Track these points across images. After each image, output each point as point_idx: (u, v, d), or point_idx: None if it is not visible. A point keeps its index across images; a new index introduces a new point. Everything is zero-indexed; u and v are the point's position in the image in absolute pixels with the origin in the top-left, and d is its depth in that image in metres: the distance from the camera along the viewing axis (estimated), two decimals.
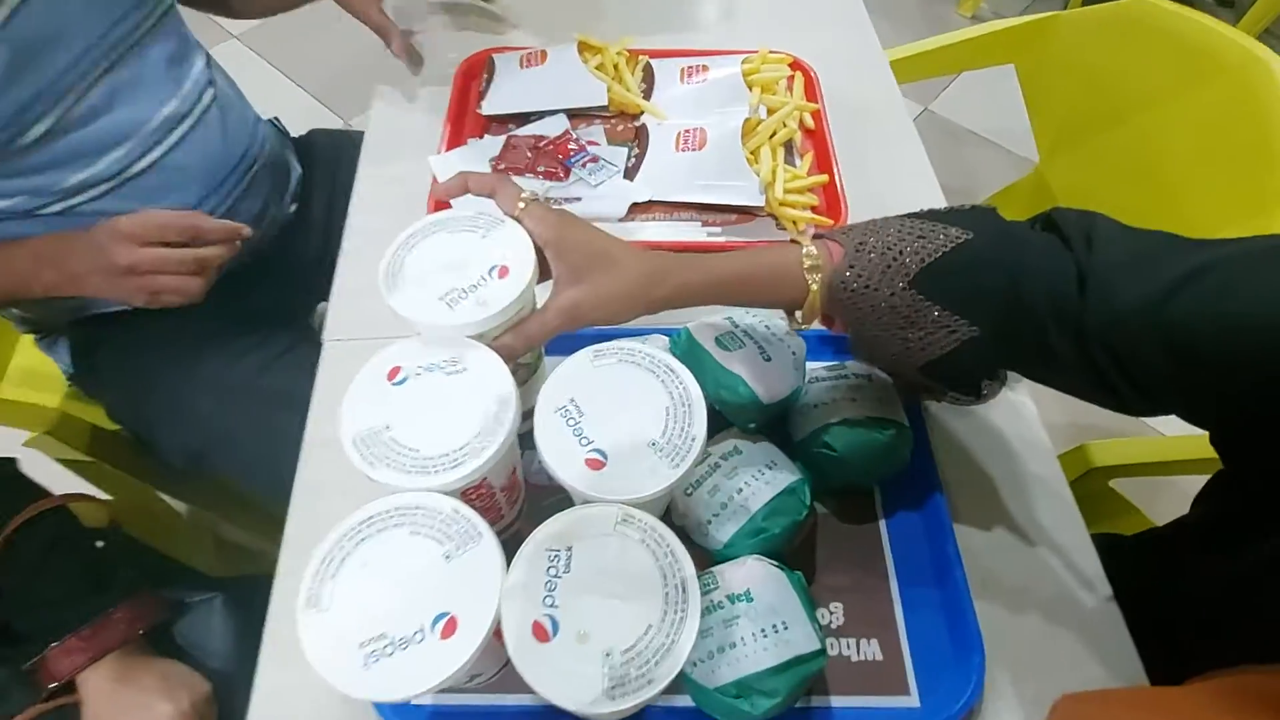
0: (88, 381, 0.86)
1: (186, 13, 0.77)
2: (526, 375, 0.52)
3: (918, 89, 1.95)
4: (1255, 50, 0.79)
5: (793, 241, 0.47)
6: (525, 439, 0.42)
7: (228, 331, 0.79)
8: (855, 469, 0.52)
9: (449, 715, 0.46)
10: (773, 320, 0.56)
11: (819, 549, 0.55)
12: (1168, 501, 0.77)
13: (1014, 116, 1.13)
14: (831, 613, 0.52)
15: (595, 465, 0.39)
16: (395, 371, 0.41)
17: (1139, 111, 0.92)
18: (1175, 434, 0.81)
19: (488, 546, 0.36)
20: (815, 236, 0.47)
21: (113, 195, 0.67)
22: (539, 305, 0.45)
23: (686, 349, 0.54)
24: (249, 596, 0.64)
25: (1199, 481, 0.56)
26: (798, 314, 0.46)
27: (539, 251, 0.45)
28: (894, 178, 0.77)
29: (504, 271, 0.44)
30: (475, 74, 0.82)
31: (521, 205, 0.45)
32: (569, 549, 0.37)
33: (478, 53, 0.84)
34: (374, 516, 0.37)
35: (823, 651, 0.45)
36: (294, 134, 0.95)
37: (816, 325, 0.49)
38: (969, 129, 1.97)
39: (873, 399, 0.54)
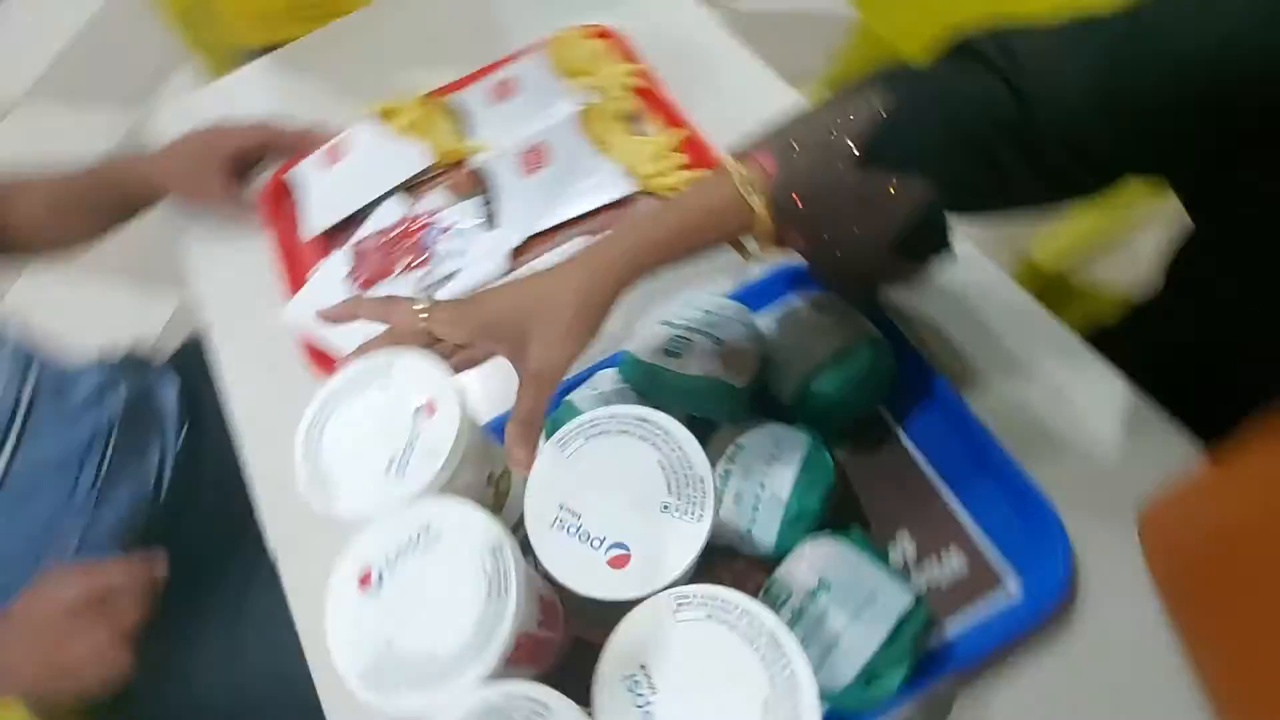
0: None
1: None
2: (508, 483, 0.47)
3: None
4: None
5: (715, 171, 0.43)
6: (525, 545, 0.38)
7: (179, 603, 0.70)
8: (855, 404, 0.50)
9: None
10: (705, 297, 0.52)
11: (858, 492, 0.52)
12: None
13: None
14: (902, 547, 0.50)
15: (620, 562, 0.35)
16: (366, 578, 0.36)
17: None
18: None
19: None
20: (735, 157, 0.43)
21: None
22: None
23: (637, 374, 0.50)
24: None
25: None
26: (751, 246, 0.43)
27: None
28: (745, 99, 0.73)
29: (430, 409, 0.39)
30: (279, 201, 0.74)
31: (424, 317, 0.40)
32: (644, 668, 0.32)
33: (268, 183, 0.75)
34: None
35: (920, 599, 0.43)
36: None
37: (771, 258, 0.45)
38: (776, 10, 1.96)
39: (835, 327, 0.51)
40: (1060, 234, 0.79)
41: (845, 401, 0.50)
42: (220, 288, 0.73)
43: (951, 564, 0.49)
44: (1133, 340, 0.61)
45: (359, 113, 0.76)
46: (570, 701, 0.32)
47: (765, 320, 0.54)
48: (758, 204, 0.40)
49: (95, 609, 0.53)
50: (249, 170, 0.75)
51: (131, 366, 0.79)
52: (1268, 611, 0.34)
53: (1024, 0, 0.43)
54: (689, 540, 0.35)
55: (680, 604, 0.34)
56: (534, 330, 0.38)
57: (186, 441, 0.78)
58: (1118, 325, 0.69)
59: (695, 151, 0.68)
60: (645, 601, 0.35)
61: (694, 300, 0.52)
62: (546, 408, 0.39)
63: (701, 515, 0.36)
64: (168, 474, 0.75)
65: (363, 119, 0.75)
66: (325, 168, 0.72)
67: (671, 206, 0.42)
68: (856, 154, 0.39)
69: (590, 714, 0.33)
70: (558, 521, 0.37)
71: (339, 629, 0.35)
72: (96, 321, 1.52)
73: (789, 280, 0.58)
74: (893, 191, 0.39)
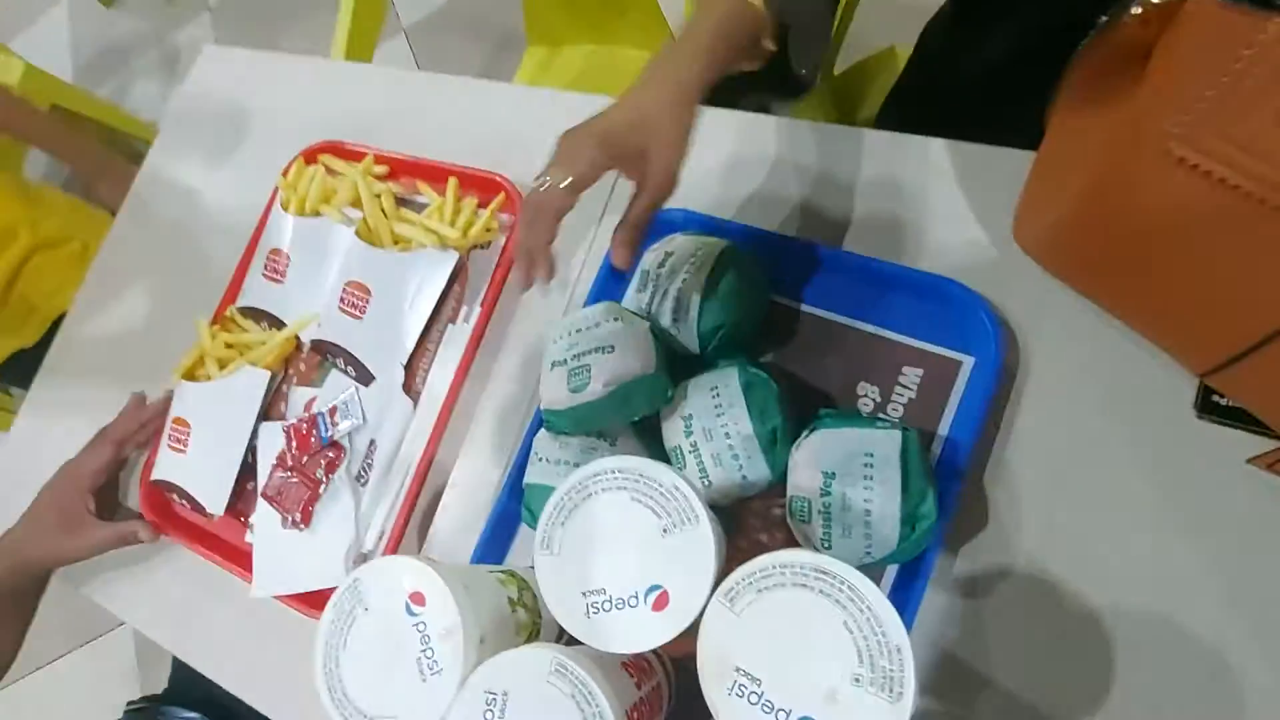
0: None
1: None
2: (530, 598, 0.47)
3: None
4: None
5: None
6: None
7: None
8: (748, 314, 0.52)
9: None
10: (567, 321, 0.52)
11: (804, 379, 0.54)
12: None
13: None
14: (869, 396, 0.52)
15: (661, 604, 0.36)
16: None
17: None
18: None
19: (704, 529, 0.37)
20: None
21: None
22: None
23: (565, 422, 0.50)
24: None
25: None
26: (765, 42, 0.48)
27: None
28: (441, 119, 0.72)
29: (418, 598, 0.39)
30: (163, 503, 0.70)
31: (549, 178, 0.41)
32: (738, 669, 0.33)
33: (141, 494, 0.69)
34: (598, 474, 0.39)
35: (905, 428, 0.45)
36: None
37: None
38: None
39: (688, 264, 0.52)
40: None
41: (738, 320, 0.51)
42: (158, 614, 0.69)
43: (912, 379, 0.52)
44: (925, 90, 0.65)
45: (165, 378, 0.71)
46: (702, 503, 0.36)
47: (632, 297, 0.54)
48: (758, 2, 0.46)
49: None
50: (114, 493, 0.71)
51: None
52: (1145, 254, 0.37)
53: None
54: (713, 553, 0.36)
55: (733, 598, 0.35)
56: (650, 144, 0.42)
57: None
58: (908, 80, 0.73)
59: (474, 183, 0.67)
60: (710, 607, 0.36)
61: (561, 328, 0.51)
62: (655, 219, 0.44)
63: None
64: None
65: (172, 383, 0.70)
66: (179, 454, 0.68)
67: (695, 25, 0.46)
68: None
69: None
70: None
71: None
72: None
73: (610, 272, 0.59)
74: None
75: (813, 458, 0.45)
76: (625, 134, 0.42)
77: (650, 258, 0.55)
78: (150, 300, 0.81)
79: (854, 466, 0.44)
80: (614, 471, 0.39)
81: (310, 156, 0.73)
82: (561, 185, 0.41)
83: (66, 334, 0.83)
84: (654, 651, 0.42)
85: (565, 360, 0.50)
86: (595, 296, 0.59)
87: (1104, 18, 0.35)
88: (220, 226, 0.79)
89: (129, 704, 0.80)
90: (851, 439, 0.45)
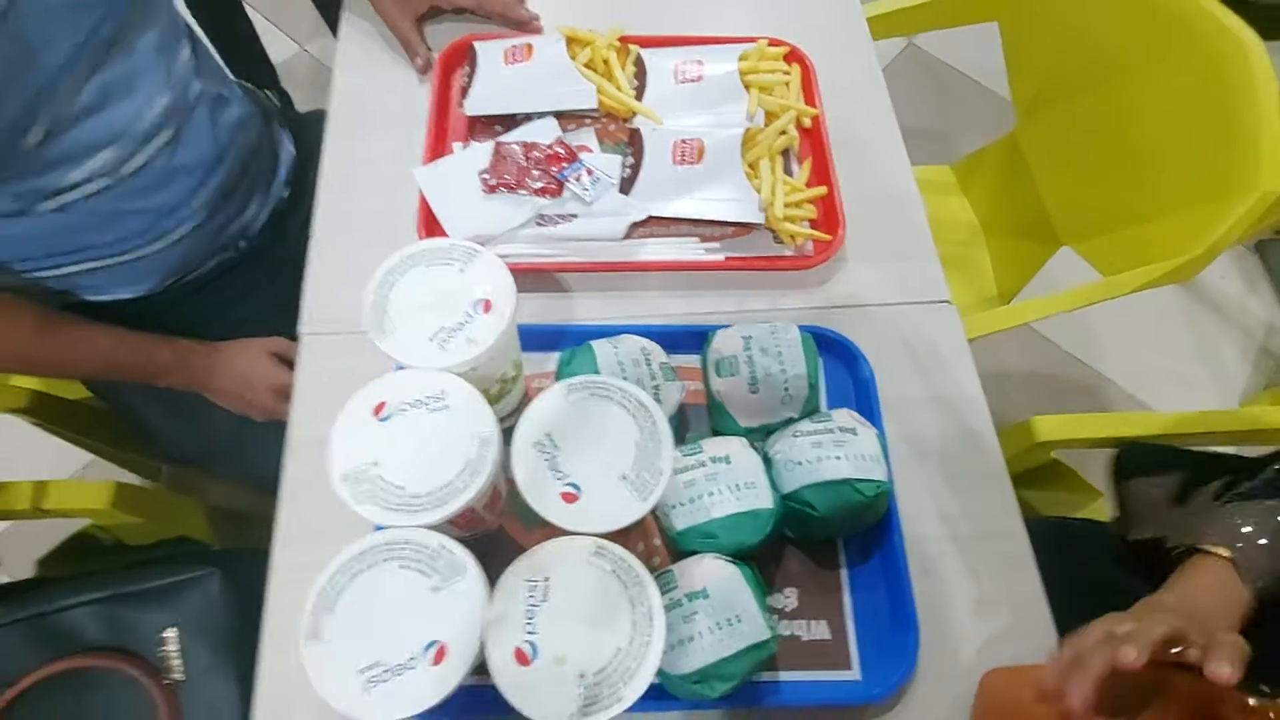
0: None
1: None
2: (510, 387, 0.55)
3: None
4: (1227, 21, 0.78)
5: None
6: (507, 434, 0.45)
7: (241, 334, 0.81)
8: (835, 526, 0.56)
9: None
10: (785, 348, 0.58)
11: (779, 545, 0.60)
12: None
13: (1000, 55, 1.09)
14: (786, 597, 0.58)
15: (570, 499, 0.42)
16: (381, 407, 0.43)
17: (1113, 78, 0.92)
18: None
19: (472, 579, 0.40)
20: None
21: (106, 194, 0.66)
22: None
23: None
24: (246, 571, 0.68)
25: None
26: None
27: None
28: (877, 176, 0.77)
29: (487, 306, 0.46)
30: (456, 64, 0.79)
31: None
32: (546, 579, 0.40)
33: (459, 39, 0.80)
34: (364, 552, 0.40)
35: (773, 639, 0.50)
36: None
37: None
38: (953, 66, 1.93)
39: (855, 457, 0.55)
40: (1069, 423, 0.84)
41: (828, 520, 0.54)
42: (361, 92, 0.80)
43: (818, 631, 0.57)
44: (1077, 543, 0.68)
45: (549, 23, 0.80)
46: (484, 579, 0.40)
47: (803, 424, 0.58)
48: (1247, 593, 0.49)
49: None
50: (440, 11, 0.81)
51: (262, 110, 0.86)
52: None
53: None
54: (629, 512, 0.42)
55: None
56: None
57: (284, 203, 0.87)
58: (1075, 524, 0.76)
59: (826, 210, 0.72)
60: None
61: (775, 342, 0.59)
62: None
63: (646, 499, 0.42)
64: (261, 219, 0.84)
65: (552, 36, 0.78)
66: (503, 63, 0.76)
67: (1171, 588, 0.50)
68: None
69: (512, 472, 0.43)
70: (539, 445, 0.44)
71: (343, 434, 0.43)
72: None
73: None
74: None
75: (710, 574, 0.51)
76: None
77: (840, 418, 0.58)
78: None
79: (723, 611, 0.49)
80: (381, 545, 0.41)
81: (788, 54, 0.80)
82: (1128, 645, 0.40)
83: None
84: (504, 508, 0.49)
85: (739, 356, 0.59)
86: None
87: None
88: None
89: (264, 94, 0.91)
90: (744, 599, 0.50)
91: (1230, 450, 0.82)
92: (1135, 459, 0.78)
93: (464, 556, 0.40)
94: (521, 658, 0.38)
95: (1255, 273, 1.74)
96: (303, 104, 0.98)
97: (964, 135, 1.77)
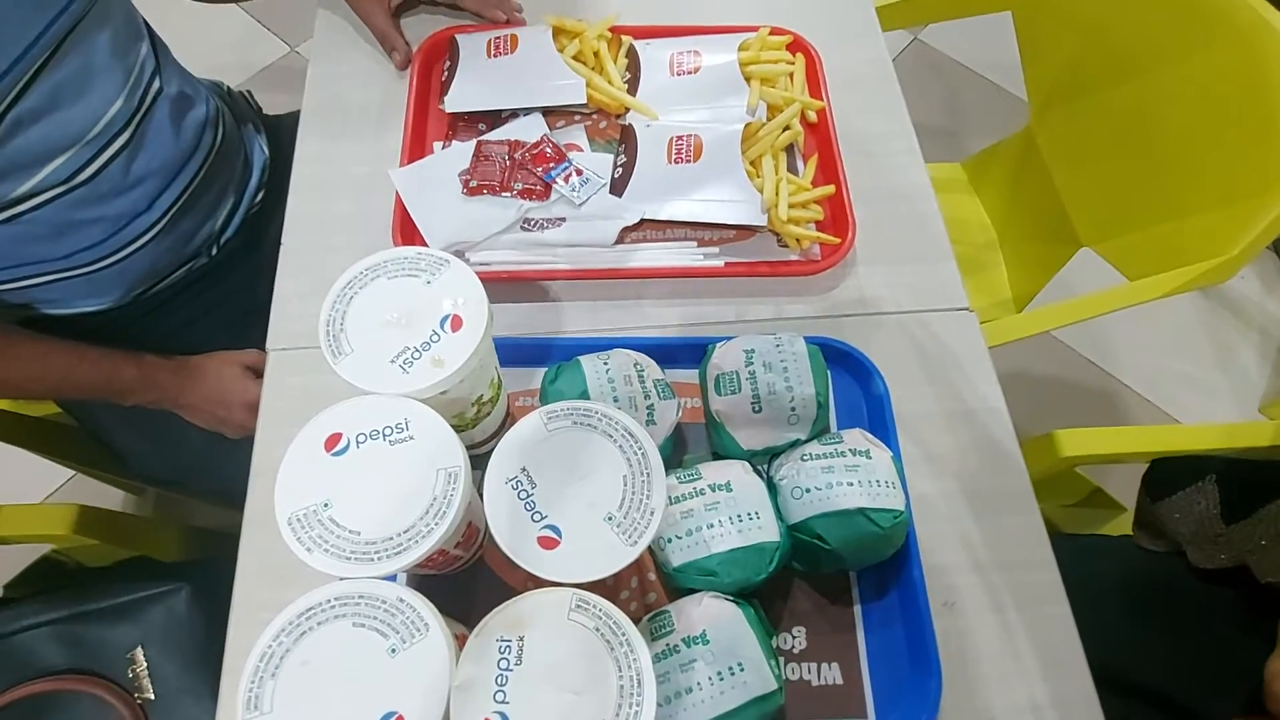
0: None
1: None
2: (488, 410, 0.50)
3: None
4: (1268, 15, 0.74)
5: None
6: (482, 460, 0.41)
7: (213, 347, 0.77)
8: (847, 559, 0.51)
9: None
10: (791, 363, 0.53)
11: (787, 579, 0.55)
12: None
13: (1011, 51, 1.04)
14: (794, 638, 0.53)
15: (549, 544, 0.37)
16: (335, 439, 0.38)
17: (1139, 72, 0.87)
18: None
19: (434, 639, 0.35)
20: None
21: (58, 203, 0.62)
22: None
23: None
24: (217, 584, 0.64)
25: None
26: None
27: None
28: (889, 174, 0.72)
29: (456, 323, 0.41)
30: (436, 58, 0.74)
31: None
32: (520, 639, 0.35)
33: (439, 32, 0.75)
34: (313, 609, 0.35)
35: (780, 690, 0.45)
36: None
37: None
38: (959, 62, 1.88)
39: (869, 483, 0.50)
40: (1092, 437, 0.79)
41: (839, 554, 0.50)
42: (335, 89, 0.75)
43: (829, 675, 0.52)
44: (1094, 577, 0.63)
45: (537, 14, 0.75)
46: (449, 641, 0.35)
47: (811, 445, 0.54)
48: None
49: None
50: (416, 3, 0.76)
51: (231, 110, 0.81)
52: None
53: None
54: (615, 557, 0.37)
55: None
56: None
57: (258, 208, 0.82)
58: (1097, 545, 0.71)
59: (835, 210, 0.68)
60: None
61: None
62: None
63: (636, 542, 0.37)
64: (233, 225, 0.79)
65: (539, 26, 0.74)
66: (486, 56, 0.72)
67: None
68: None
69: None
70: (514, 482, 0.39)
71: (291, 470, 0.38)
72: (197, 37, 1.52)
73: None
74: None
75: (710, 615, 0.46)
76: None
77: (850, 440, 0.53)
78: None
79: (725, 658, 0.45)
80: (331, 601, 0.35)
81: (791, 44, 0.76)
82: None
83: None
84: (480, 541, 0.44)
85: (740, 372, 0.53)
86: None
87: None
88: None
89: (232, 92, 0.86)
90: (747, 644, 0.45)
91: None
92: (1169, 471, 0.73)
93: (426, 612, 0.35)
94: None
95: (1273, 273, 1.69)
96: (293, 106, 0.93)
97: (970, 132, 1.72)
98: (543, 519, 0.38)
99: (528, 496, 0.38)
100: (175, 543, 0.89)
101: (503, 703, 0.34)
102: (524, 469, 0.39)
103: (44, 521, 0.75)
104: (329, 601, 0.35)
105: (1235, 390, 1.53)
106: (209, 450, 0.77)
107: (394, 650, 0.34)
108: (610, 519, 0.38)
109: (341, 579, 0.36)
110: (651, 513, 0.38)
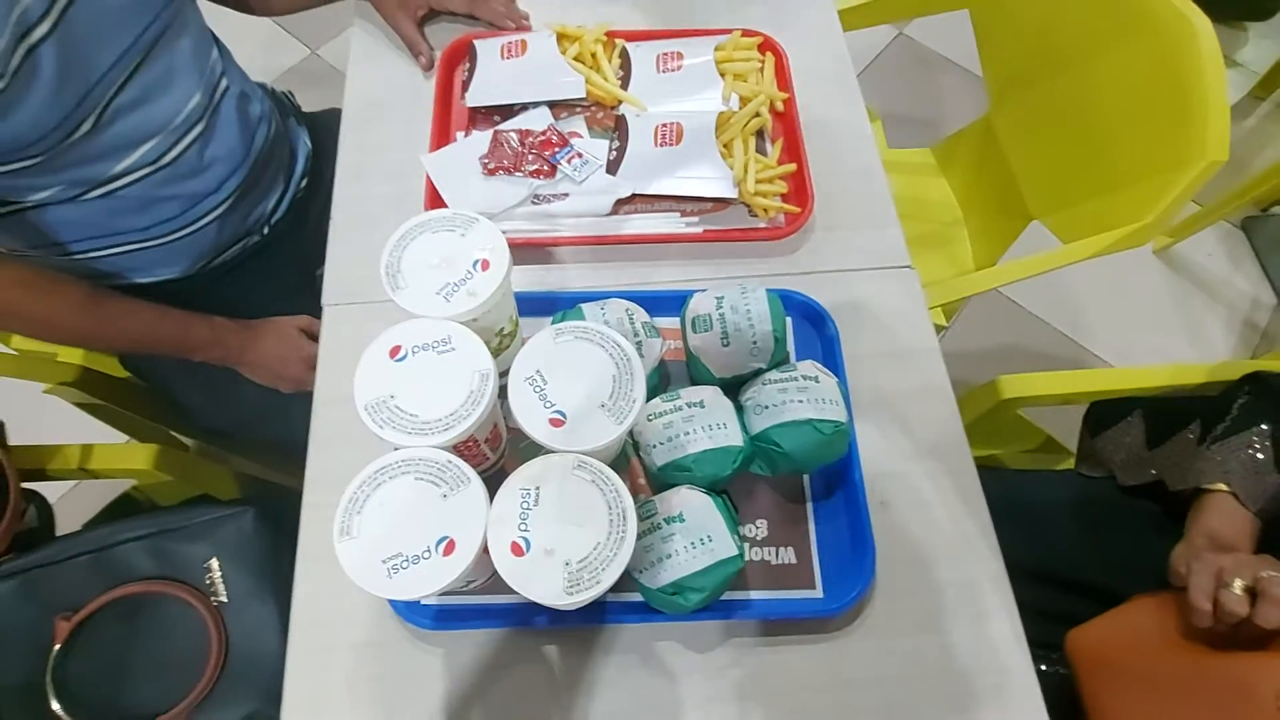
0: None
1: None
2: (508, 342, 0.62)
3: None
4: (1183, 9, 0.84)
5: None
6: (505, 392, 0.52)
7: (267, 314, 0.88)
8: (800, 461, 0.61)
9: (451, 612, 0.59)
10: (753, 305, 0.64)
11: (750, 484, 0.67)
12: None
13: None
14: (757, 527, 0.65)
15: (557, 424, 0.50)
16: (396, 350, 0.51)
17: (1077, 63, 0.98)
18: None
19: (475, 488, 0.47)
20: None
21: (146, 181, 0.75)
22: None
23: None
24: (278, 511, 0.76)
25: None
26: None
27: None
28: (845, 154, 0.84)
29: (485, 265, 0.53)
30: (457, 60, 0.87)
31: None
32: (538, 488, 0.48)
33: (459, 38, 0.87)
34: (385, 467, 0.48)
35: (740, 556, 0.57)
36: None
37: None
38: (941, 54, 1.99)
39: (817, 400, 0.60)
40: (1031, 381, 0.91)
41: (792, 456, 0.59)
42: (372, 88, 0.88)
43: (785, 556, 0.64)
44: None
45: (541, 20, 0.87)
46: (485, 489, 0.48)
47: (771, 373, 0.64)
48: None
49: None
50: (438, 13, 0.89)
51: (280, 108, 0.94)
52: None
53: None
54: (606, 433, 0.50)
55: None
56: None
57: (303, 193, 0.95)
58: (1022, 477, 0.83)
59: (797, 185, 0.79)
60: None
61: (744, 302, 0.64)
62: None
63: (622, 422, 0.50)
64: (282, 207, 0.91)
65: (543, 32, 0.86)
66: (499, 58, 0.84)
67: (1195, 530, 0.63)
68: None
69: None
70: (530, 379, 0.52)
71: (366, 373, 0.50)
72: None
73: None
74: None
75: (686, 502, 0.57)
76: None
77: (804, 367, 0.64)
78: None
79: (696, 531, 0.56)
80: (398, 462, 0.47)
81: (761, 44, 0.87)
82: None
83: None
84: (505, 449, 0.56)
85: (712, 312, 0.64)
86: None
87: None
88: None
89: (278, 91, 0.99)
90: (715, 523, 0.56)
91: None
92: (1104, 412, 0.85)
93: (469, 471, 0.48)
94: (517, 550, 0.46)
95: (1241, 250, 1.79)
96: (317, 103, 1.06)
97: (951, 120, 1.82)
98: (552, 406, 0.50)
99: (541, 390, 0.51)
100: (232, 483, 1.02)
101: (525, 530, 0.46)
102: (538, 370, 0.52)
103: (131, 457, 0.88)
104: (397, 463, 0.48)
105: (1202, 359, 1.63)
106: (264, 405, 0.89)
107: (445, 496, 0.47)
108: (603, 406, 0.50)
109: (400, 447, 0.48)
110: (634, 400, 0.50)
